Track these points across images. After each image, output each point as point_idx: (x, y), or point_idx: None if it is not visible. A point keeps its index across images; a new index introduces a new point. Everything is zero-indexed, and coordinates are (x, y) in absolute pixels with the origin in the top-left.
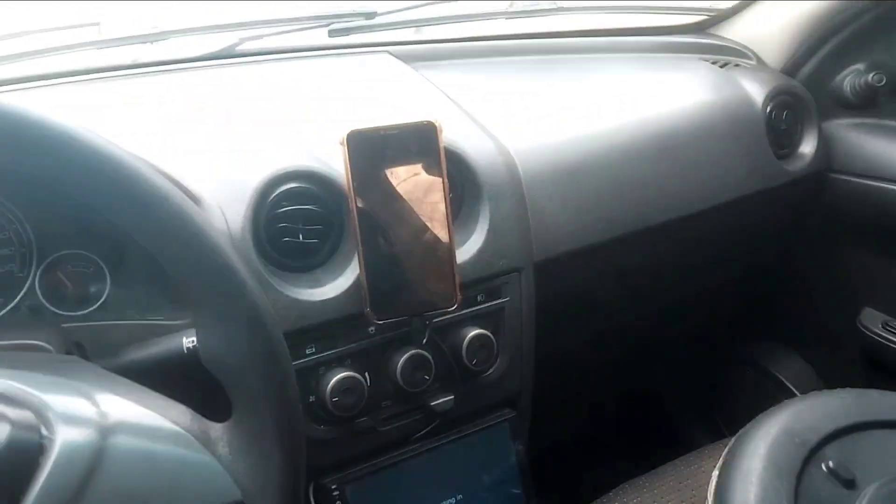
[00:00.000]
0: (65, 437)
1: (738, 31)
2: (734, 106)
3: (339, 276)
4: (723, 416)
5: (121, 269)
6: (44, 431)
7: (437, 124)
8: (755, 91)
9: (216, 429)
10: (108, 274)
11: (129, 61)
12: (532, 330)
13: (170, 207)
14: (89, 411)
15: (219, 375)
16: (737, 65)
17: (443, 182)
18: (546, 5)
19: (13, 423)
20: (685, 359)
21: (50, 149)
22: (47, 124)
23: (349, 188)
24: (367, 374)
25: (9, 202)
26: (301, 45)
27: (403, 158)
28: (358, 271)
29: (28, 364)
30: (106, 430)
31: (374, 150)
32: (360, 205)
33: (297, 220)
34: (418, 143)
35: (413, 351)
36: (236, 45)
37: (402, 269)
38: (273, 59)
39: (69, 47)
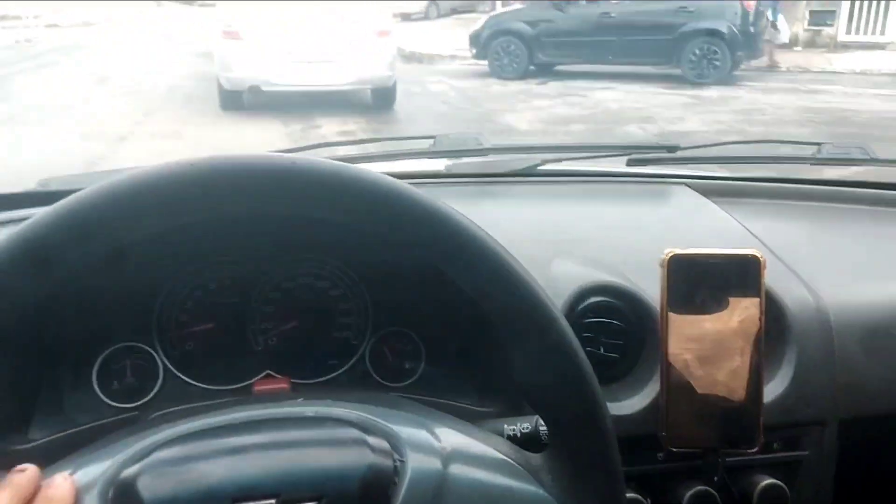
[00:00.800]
0: (415, 463)
1: None
2: None
3: (636, 394)
4: None
5: (435, 351)
6: (396, 456)
7: (761, 259)
8: None
9: (536, 458)
10: (423, 353)
11: (457, 170)
12: (831, 490)
13: (516, 277)
14: (431, 441)
15: (534, 403)
16: None
17: (760, 318)
18: (856, 153)
19: (372, 448)
20: None
21: (422, 222)
22: (421, 200)
23: (663, 309)
24: (648, 500)
25: (358, 278)
26: (599, 170)
27: (722, 288)
28: (656, 392)
29: (372, 401)
30: (446, 458)
31: (693, 275)
32: (671, 327)
33: (601, 332)
34: (739, 274)
35: (701, 487)
36: (538, 164)
37: (705, 399)
38: (572, 181)
39: (409, 154)
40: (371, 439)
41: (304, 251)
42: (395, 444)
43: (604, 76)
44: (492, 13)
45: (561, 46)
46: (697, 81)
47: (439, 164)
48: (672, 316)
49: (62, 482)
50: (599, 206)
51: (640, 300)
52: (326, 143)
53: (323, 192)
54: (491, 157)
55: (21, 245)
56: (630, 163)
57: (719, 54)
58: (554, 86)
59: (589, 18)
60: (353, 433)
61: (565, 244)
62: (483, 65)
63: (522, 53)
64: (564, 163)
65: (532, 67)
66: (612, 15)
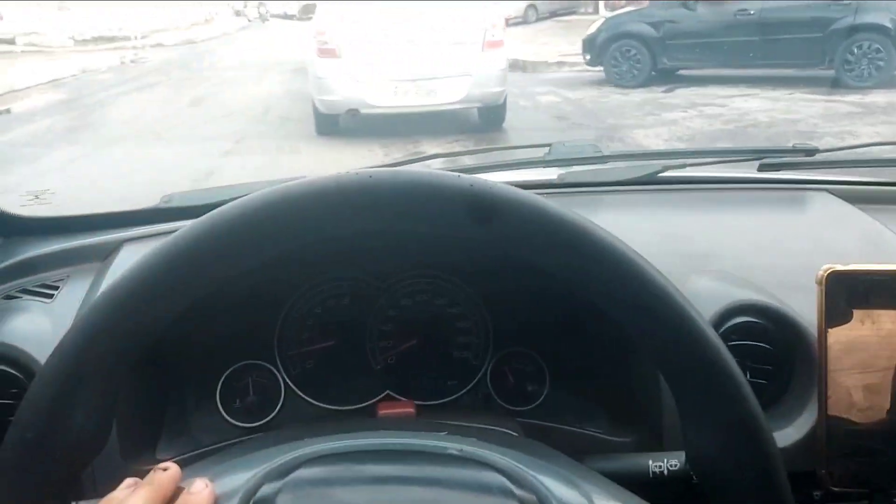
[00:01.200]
0: None
1: None
2: None
3: (789, 424)
4: None
5: (560, 373)
6: None
7: None
8: None
9: None
10: (547, 375)
11: (573, 179)
12: None
13: (674, 306)
14: (580, 501)
15: (708, 486)
16: None
17: None
18: None
19: (520, 501)
20: None
21: (567, 242)
22: (567, 219)
23: (821, 331)
24: None
25: (478, 296)
26: (728, 175)
27: (888, 306)
28: (813, 422)
29: (518, 445)
30: None
31: (854, 293)
32: (830, 350)
33: (747, 356)
34: None
35: None
36: (660, 171)
37: (871, 432)
38: (698, 189)
39: (524, 163)
40: (518, 491)
41: (423, 267)
42: (543, 501)
43: (738, 81)
44: (608, 15)
45: (689, 49)
46: (856, 85)
47: (555, 173)
48: (831, 338)
49: (203, 488)
50: (731, 216)
51: (790, 320)
52: (438, 155)
53: (468, 212)
54: (609, 165)
55: (165, 262)
56: (762, 168)
57: (883, 52)
58: (683, 94)
59: (723, 17)
60: (500, 480)
61: (699, 258)
62: (595, 72)
63: (644, 58)
64: (688, 169)
65: (653, 73)
66: (751, 12)
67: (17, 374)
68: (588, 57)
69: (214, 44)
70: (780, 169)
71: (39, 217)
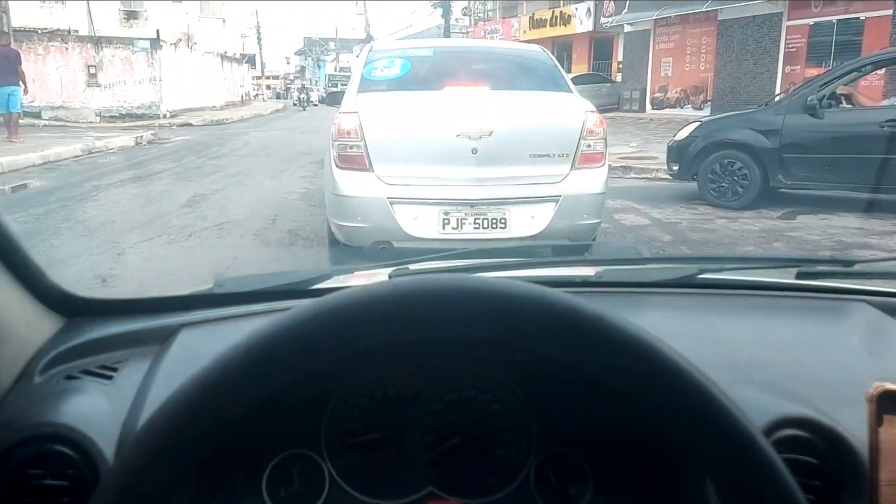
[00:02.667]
0: None
1: None
2: None
3: None
4: None
5: (604, 477)
6: None
7: None
8: None
9: None
10: (591, 479)
11: (611, 278)
12: None
13: (730, 419)
14: None
15: None
16: None
17: None
18: None
19: None
20: None
21: (618, 349)
22: (622, 327)
23: (872, 451)
24: None
25: (523, 395)
26: (765, 280)
27: None
28: None
29: None
30: None
31: None
32: (882, 470)
33: (793, 470)
34: None
35: None
36: (697, 273)
37: None
38: (736, 294)
39: (565, 262)
40: None
41: (469, 363)
42: None
43: (886, 209)
44: (704, 118)
45: (817, 166)
46: None
47: (594, 272)
48: (882, 456)
49: None
50: (770, 322)
51: (838, 437)
52: (475, 252)
53: (531, 322)
54: (648, 266)
55: (248, 357)
56: (800, 275)
57: None
58: (808, 222)
59: (864, 128)
60: None
61: (742, 366)
62: (664, 179)
63: (753, 174)
64: (725, 273)
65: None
66: None
67: (75, 456)
68: (676, 168)
69: (245, 126)
70: (819, 278)
71: (100, 299)
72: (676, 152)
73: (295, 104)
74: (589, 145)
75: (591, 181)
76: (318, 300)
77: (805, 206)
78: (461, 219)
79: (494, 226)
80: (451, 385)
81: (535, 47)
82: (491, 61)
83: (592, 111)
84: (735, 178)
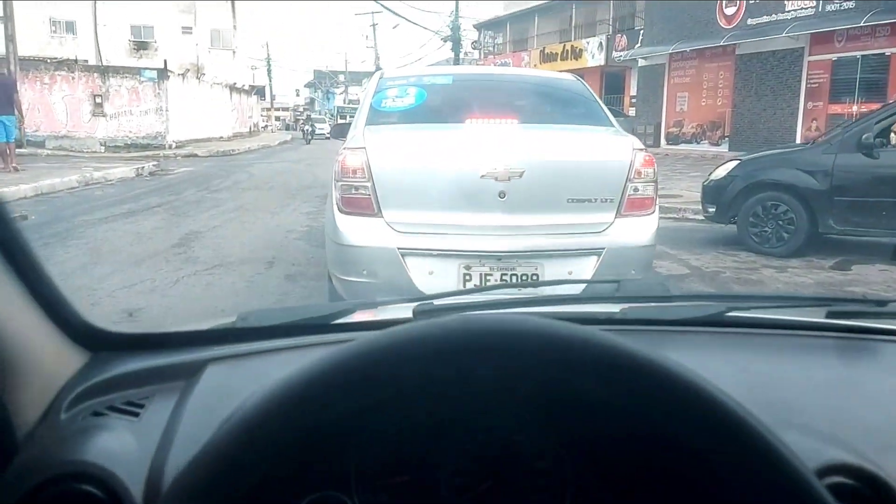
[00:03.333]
0: None
1: None
2: None
3: None
4: None
5: None
6: None
7: None
8: None
9: None
10: None
11: (635, 315)
12: None
13: (789, 469)
14: None
15: None
16: None
17: None
18: None
19: None
20: None
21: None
22: (677, 374)
23: None
24: None
25: (558, 439)
26: (796, 319)
27: None
28: None
29: None
30: None
31: None
32: None
33: None
34: None
35: None
36: (725, 311)
37: None
38: (765, 333)
39: (593, 298)
40: None
41: (503, 403)
42: None
43: None
44: (743, 156)
45: (872, 210)
46: None
47: (620, 308)
48: None
49: None
50: (803, 363)
51: (882, 482)
52: (507, 284)
53: (595, 372)
54: (676, 304)
55: (300, 396)
56: (831, 315)
57: None
58: (866, 273)
59: None
60: None
61: (779, 409)
62: (696, 220)
63: (800, 218)
64: (754, 311)
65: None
66: None
67: (102, 496)
68: (713, 209)
69: (251, 157)
70: (850, 318)
71: (126, 333)
72: (713, 193)
73: (301, 138)
74: (637, 189)
75: (640, 231)
76: (379, 335)
77: (857, 254)
78: (485, 274)
79: (526, 281)
80: (484, 423)
81: (569, 76)
82: (519, 91)
83: (641, 149)
84: (779, 222)
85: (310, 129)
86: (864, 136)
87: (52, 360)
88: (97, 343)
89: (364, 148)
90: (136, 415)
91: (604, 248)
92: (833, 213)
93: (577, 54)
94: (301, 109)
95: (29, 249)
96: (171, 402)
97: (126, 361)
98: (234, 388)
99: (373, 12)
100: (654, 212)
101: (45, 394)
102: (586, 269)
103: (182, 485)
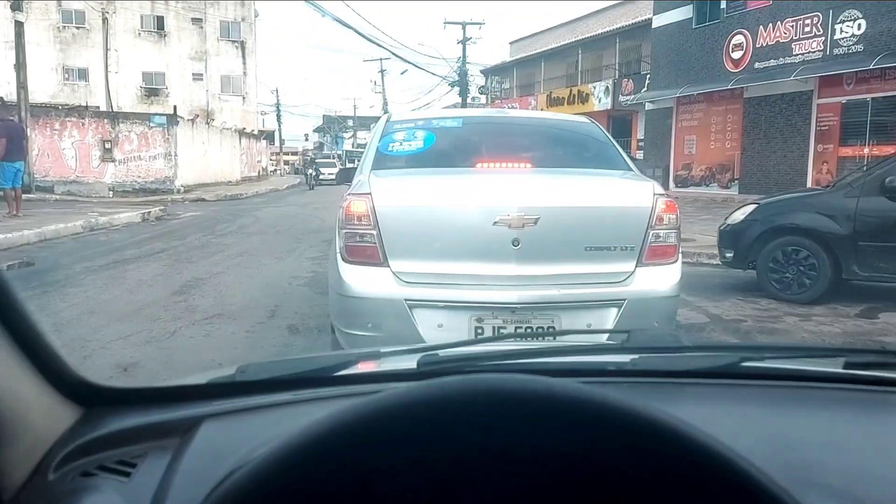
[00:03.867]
0: None
1: None
2: None
3: None
4: None
5: None
6: None
7: None
8: None
9: None
10: None
11: (646, 367)
12: None
13: None
14: None
15: None
16: None
17: None
18: None
19: None
20: None
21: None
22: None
23: None
24: None
25: (572, 493)
26: (812, 370)
27: None
28: None
29: None
30: None
31: None
32: None
33: None
34: None
35: None
36: (738, 362)
37: None
38: (780, 385)
39: (602, 349)
40: None
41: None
42: None
43: None
44: (761, 199)
45: None
46: None
47: (630, 359)
48: None
49: None
50: (820, 417)
51: None
52: (512, 334)
53: (618, 439)
54: (688, 354)
55: (319, 452)
56: (848, 365)
57: None
58: (894, 320)
59: None
60: None
61: (799, 468)
62: (710, 264)
63: (822, 263)
64: (768, 361)
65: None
66: None
67: None
68: (730, 255)
69: (259, 201)
70: (869, 368)
71: (120, 388)
72: (730, 237)
73: (306, 184)
74: (659, 236)
75: (663, 280)
76: (405, 393)
77: (883, 300)
78: (498, 327)
79: (542, 334)
80: (490, 486)
81: (583, 119)
82: (532, 135)
83: (663, 194)
84: (801, 267)
85: (313, 174)
86: (887, 180)
87: (43, 416)
88: (90, 398)
89: (369, 194)
90: (128, 475)
91: (625, 300)
92: (857, 259)
93: (583, 98)
94: (310, 155)
95: (20, 302)
96: (163, 462)
97: (119, 417)
98: (230, 446)
99: (381, 59)
100: (676, 260)
101: (35, 452)
102: (606, 320)
103: None
